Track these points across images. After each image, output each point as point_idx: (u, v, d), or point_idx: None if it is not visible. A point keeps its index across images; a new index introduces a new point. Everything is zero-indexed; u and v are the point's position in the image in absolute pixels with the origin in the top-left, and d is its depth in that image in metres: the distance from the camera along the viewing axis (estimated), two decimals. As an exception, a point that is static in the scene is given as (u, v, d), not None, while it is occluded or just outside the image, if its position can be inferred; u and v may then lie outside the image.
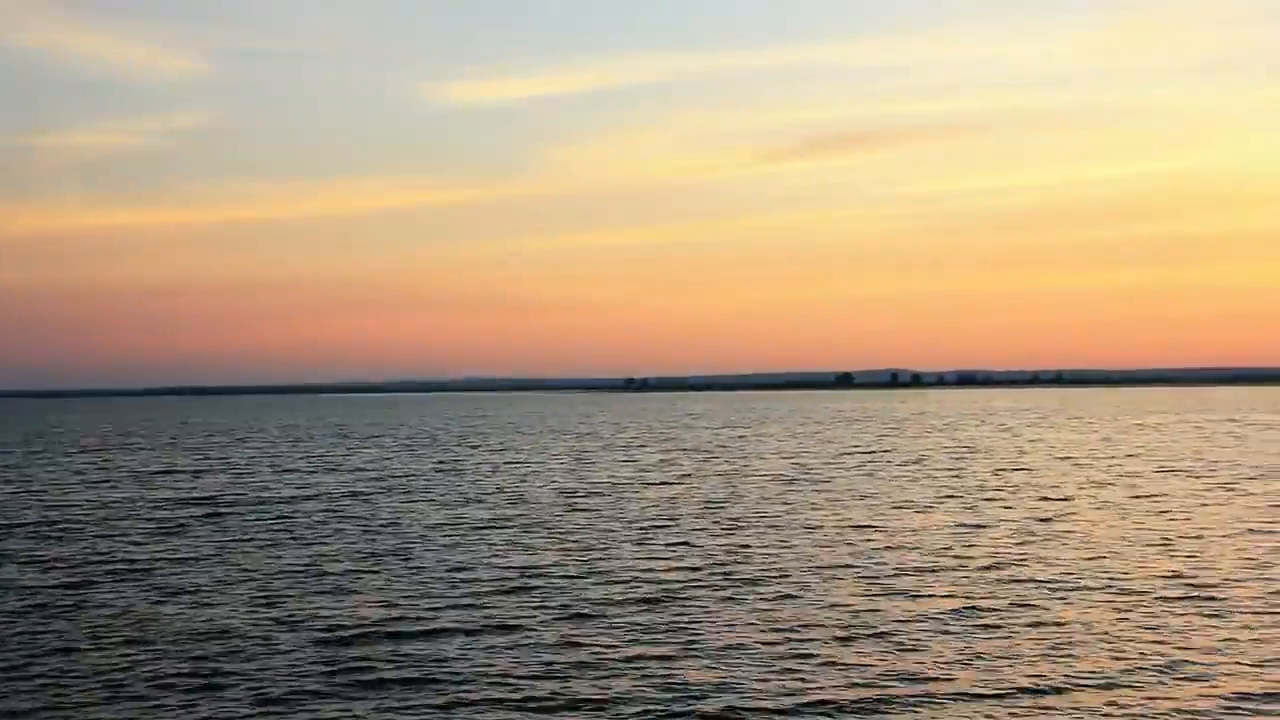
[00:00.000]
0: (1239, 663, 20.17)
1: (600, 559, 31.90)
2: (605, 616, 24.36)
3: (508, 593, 27.09)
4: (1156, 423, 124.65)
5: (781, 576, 28.77)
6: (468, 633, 22.99)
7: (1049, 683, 19.11)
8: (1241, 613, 24.08)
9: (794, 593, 26.65)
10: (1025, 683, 19.12)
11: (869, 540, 34.89)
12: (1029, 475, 57.82)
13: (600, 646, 21.76)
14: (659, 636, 22.51)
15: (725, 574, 29.21)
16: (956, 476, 57.45)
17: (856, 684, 19.14)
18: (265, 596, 27.00)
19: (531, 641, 22.24)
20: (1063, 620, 23.55)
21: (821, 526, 38.25)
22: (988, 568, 29.73)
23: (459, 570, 30.30)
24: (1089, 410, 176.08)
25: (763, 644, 21.79)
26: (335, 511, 44.64)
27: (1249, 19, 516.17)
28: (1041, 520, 39.29)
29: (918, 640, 21.97)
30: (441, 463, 72.92)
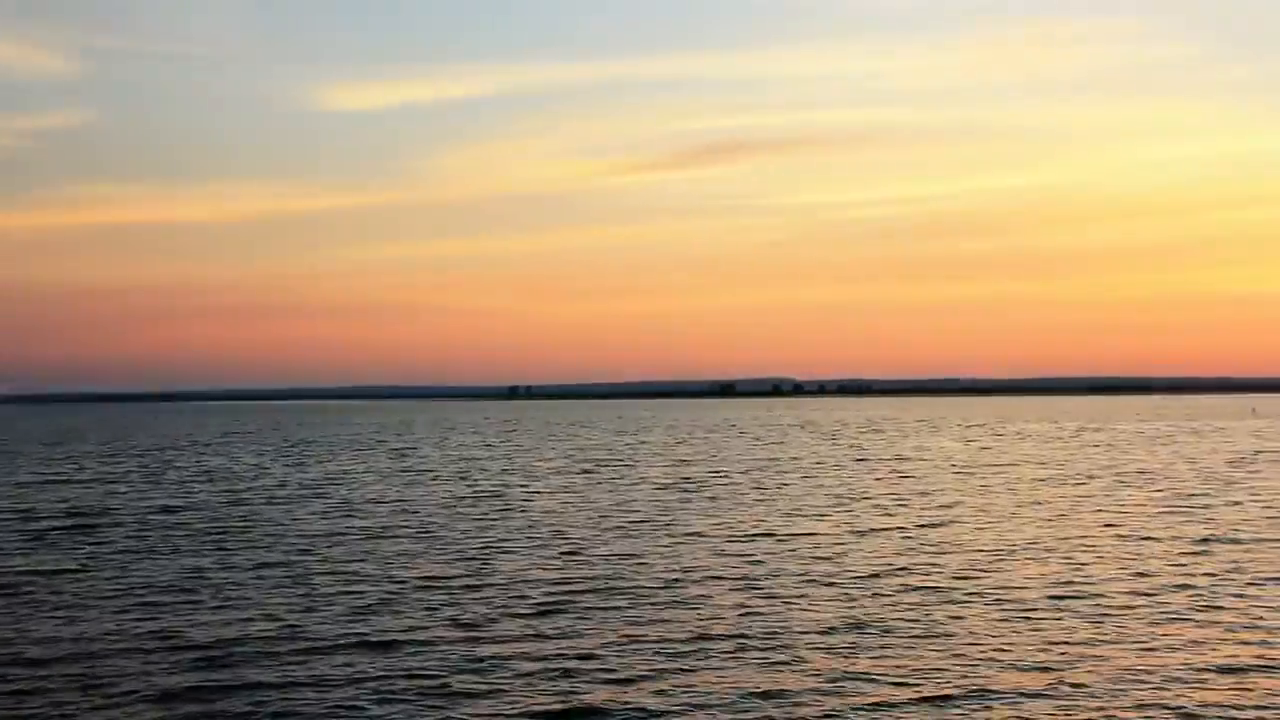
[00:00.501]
0: (1119, 667, 20.42)
1: (490, 568, 31.44)
2: (496, 627, 23.95)
3: (395, 605, 26.52)
4: (1034, 431, 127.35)
5: (672, 585, 28.59)
6: (354, 647, 22.40)
7: (941, 691, 19.15)
8: (1119, 616, 24.45)
9: (686, 601, 26.49)
10: (916, 692, 19.13)
11: (758, 548, 34.90)
12: (914, 483, 58.52)
13: (491, 658, 21.34)
14: (550, 647, 22.16)
15: (616, 583, 28.95)
16: (842, 484, 57.92)
17: (750, 693, 19.00)
18: (140, 610, 26.08)
19: (420, 655, 21.74)
20: (951, 628, 23.69)
21: (710, 535, 38.20)
22: (876, 575, 29.87)
23: (345, 582, 29.62)
24: (967, 418, 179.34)
25: (656, 654, 21.56)
26: (215, 522, 43.51)
27: (1107, 39, 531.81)
28: (928, 527, 39.70)
29: (810, 648, 21.91)
30: (325, 471, 71.68)
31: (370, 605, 26.44)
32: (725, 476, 64.01)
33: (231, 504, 50.62)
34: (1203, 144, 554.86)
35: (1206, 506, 45.46)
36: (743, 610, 25.47)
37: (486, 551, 34.80)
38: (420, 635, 23.29)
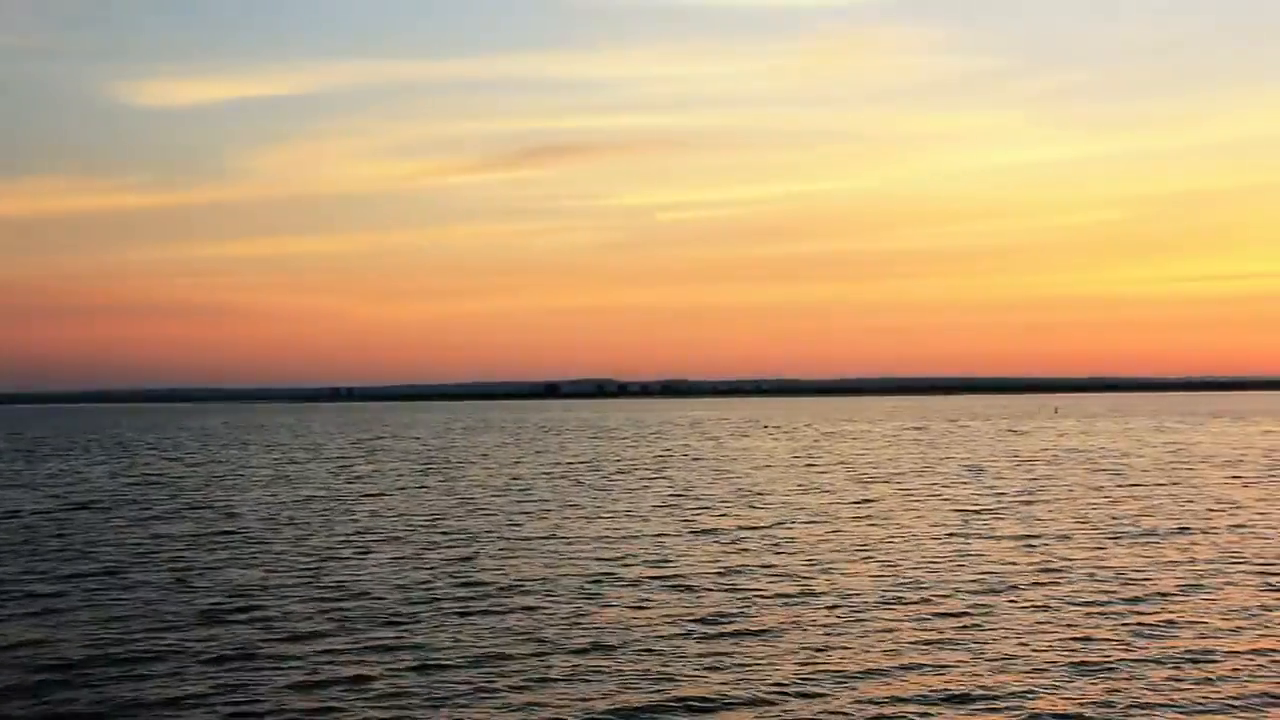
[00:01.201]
0: (952, 665, 20.76)
1: (319, 576, 30.57)
2: (328, 638, 23.22)
3: (220, 616, 25.54)
4: (852, 431, 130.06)
5: (510, 590, 28.18)
6: (177, 662, 21.46)
7: (781, 694, 19.19)
8: (952, 615, 24.91)
9: (525, 607, 26.10)
10: (759, 693, 19.14)
11: (595, 550, 34.70)
12: (744, 483, 59.06)
13: (322, 671, 20.67)
14: (385, 658, 21.57)
15: (454, 589, 28.41)
16: (674, 485, 58.14)
17: (593, 698, 18.77)
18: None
19: (251, 668, 20.94)
20: (788, 628, 23.79)
21: (547, 537, 37.87)
22: (713, 576, 29.92)
23: (165, 593, 28.46)
24: (788, 419, 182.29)
25: (500, 660, 21.16)
26: (24, 531, 41.48)
27: (919, 51, 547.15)
28: (761, 528, 40.02)
29: (652, 652, 21.76)
30: (143, 476, 69.17)
31: (193, 616, 25.41)
32: (558, 478, 63.72)
33: (38, 512, 48.38)
34: (1018, 152, 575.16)
35: (1028, 504, 46.86)
36: (582, 614, 25.22)
37: (316, 559, 33.87)
38: (247, 649, 22.44)
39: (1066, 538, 36.55)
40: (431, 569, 31.65)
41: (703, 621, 24.41)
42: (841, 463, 74.58)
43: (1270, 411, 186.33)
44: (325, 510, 47.73)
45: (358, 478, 66.19)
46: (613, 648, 22.17)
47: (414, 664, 21.07)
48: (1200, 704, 18.40)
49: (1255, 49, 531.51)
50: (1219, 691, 19.03)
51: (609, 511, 45.73)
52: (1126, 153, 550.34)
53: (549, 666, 20.86)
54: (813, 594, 27.45)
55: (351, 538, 38.55)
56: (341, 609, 26.14)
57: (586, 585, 28.84)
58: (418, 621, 24.72)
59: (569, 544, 36.38)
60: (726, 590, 27.99)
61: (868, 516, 43.13)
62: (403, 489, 57.81)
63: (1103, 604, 25.92)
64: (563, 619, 24.82)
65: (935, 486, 55.65)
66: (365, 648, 22.37)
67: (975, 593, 27.41)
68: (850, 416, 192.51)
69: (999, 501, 48.04)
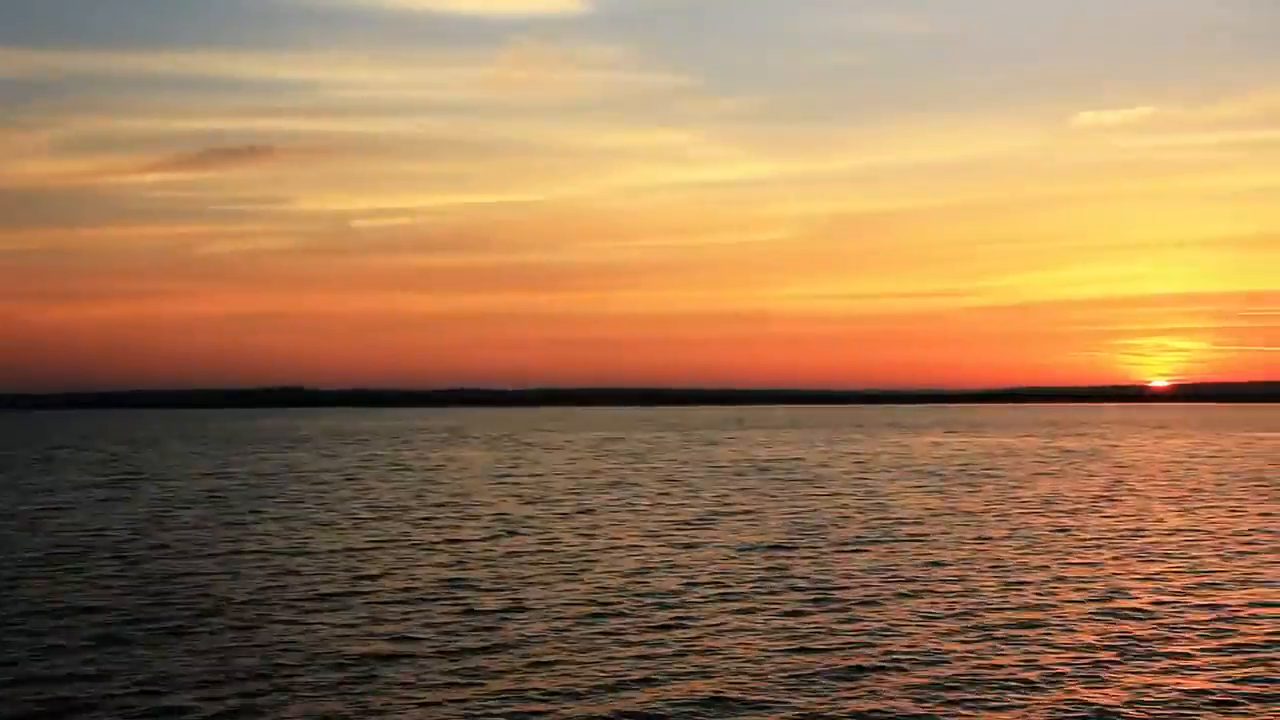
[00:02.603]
0: (662, 677, 21.13)
1: (10, 596, 28.54)
2: (32, 666, 21.71)
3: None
4: (557, 441, 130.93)
5: (209, 613, 27.00)
6: None
7: (492, 713, 19.11)
8: (660, 625, 25.38)
9: (230, 627, 25.12)
10: (468, 714, 19.01)
11: (298, 565, 33.68)
12: (445, 495, 58.49)
13: (20, 701, 19.32)
14: (88, 685, 20.34)
15: (151, 611, 27.02)
16: (373, 497, 57.04)
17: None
18: None
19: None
20: (509, 643, 23.71)
21: (246, 552, 36.50)
22: (418, 592, 29.51)
23: None
24: (487, 429, 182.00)
25: (193, 688, 20.28)
26: None
27: (609, 67, 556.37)
28: (473, 540, 39.77)
29: (359, 675, 21.30)
30: None
31: None
32: (254, 490, 61.57)
33: None
34: (698, 170, 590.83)
35: (732, 515, 48.21)
36: (285, 636, 24.43)
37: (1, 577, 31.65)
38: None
39: (775, 547, 37.80)
40: (131, 587, 30.04)
41: (409, 640, 23.97)
42: (550, 473, 74.93)
43: (936, 423, 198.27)
44: (8, 525, 44.62)
45: (39, 490, 62.19)
46: (320, 671, 21.56)
47: (119, 690, 19.96)
48: (915, 701, 19.32)
49: (917, 83, 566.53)
50: (934, 692, 20.03)
51: (311, 525, 44.50)
52: (798, 174, 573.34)
53: (260, 690, 20.13)
54: (523, 608, 27.37)
55: (40, 553, 36.16)
56: (29, 633, 24.49)
57: (288, 605, 27.90)
58: (118, 644, 23.42)
59: (269, 560, 35.17)
60: (434, 607, 27.60)
61: (576, 528, 43.46)
62: (87, 501, 54.63)
63: (811, 612, 26.89)
64: (267, 641, 23.95)
65: (640, 497, 56.58)
66: (58, 676, 21.04)
67: (686, 603, 27.98)
68: (547, 426, 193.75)
69: (708, 511, 49.24)
